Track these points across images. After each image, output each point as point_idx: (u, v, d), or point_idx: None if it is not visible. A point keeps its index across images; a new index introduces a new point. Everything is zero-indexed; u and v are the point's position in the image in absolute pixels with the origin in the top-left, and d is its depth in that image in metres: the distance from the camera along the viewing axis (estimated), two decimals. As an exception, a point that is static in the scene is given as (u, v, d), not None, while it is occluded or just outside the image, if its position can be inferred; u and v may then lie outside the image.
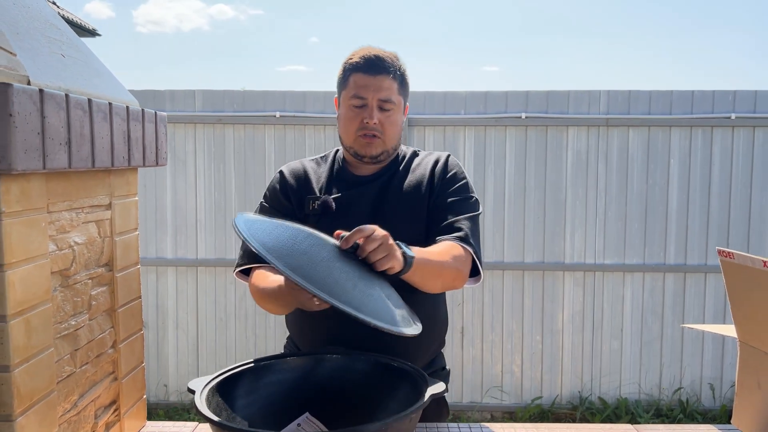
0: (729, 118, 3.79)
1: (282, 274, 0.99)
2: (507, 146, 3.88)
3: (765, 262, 1.13)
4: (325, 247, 1.12)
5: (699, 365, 3.94)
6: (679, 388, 3.92)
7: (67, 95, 0.97)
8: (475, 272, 1.39)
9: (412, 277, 1.19)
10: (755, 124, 3.79)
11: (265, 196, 1.49)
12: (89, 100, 1.04)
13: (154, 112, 1.33)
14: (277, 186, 1.48)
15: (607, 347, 3.94)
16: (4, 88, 0.82)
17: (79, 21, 9.50)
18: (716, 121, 3.80)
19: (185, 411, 3.93)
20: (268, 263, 1.18)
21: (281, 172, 1.50)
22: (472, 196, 1.45)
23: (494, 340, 3.95)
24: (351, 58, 1.40)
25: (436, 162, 1.47)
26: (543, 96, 3.85)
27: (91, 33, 10.17)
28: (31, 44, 1.04)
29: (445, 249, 1.30)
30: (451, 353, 3.92)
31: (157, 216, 3.99)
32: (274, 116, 3.91)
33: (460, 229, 1.37)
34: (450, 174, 1.45)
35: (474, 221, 1.41)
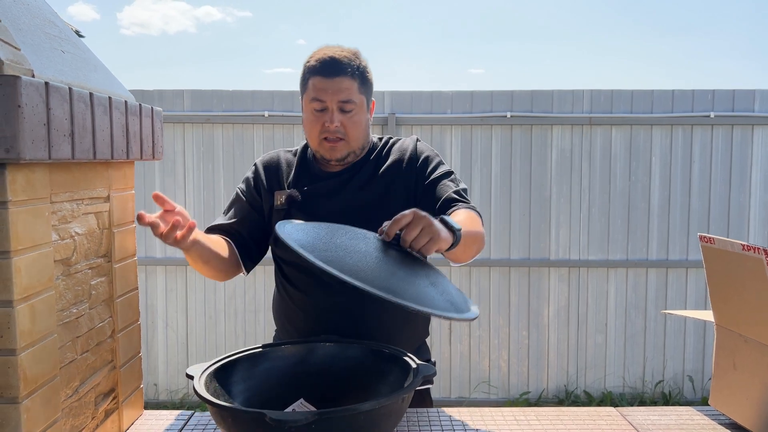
0: (708, 116, 3.89)
1: (316, 267, 0.97)
2: (493, 145, 3.94)
3: (744, 246, 1.19)
4: (366, 241, 1.11)
5: (681, 358, 4.03)
6: (661, 381, 4.01)
7: (70, 88, 1.00)
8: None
9: (456, 250, 1.17)
10: (733, 122, 3.89)
11: (240, 187, 1.53)
12: (90, 94, 1.07)
13: (150, 107, 1.36)
14: (251, 181, 1.51)
15: (592, 341, 4.02)
16: (12, 80, 0.85)
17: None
18: (696, 120, 3.89)
19: (175, 410, 3.94)
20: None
21: (255, 166, 1.53)
22: (451, 171, 1.46)
23: (481, 336, 4.01)
24: (309, 61, 1.40)
25: (404, 149, 1.47)
26: (528, 95, 3.92)
27: (74, 34, 10.14)
28: (33, 40, 1.07)
29: (467, 215, 1.30)
30: (439, 349, 3.97)
31: (146, 215, 4.00)
32: (263, 116, 3.94)
33: (462, 198, 1.37)
34: (423, 158, 1.45)
35: (465, 192, 1.42)
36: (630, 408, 1.45)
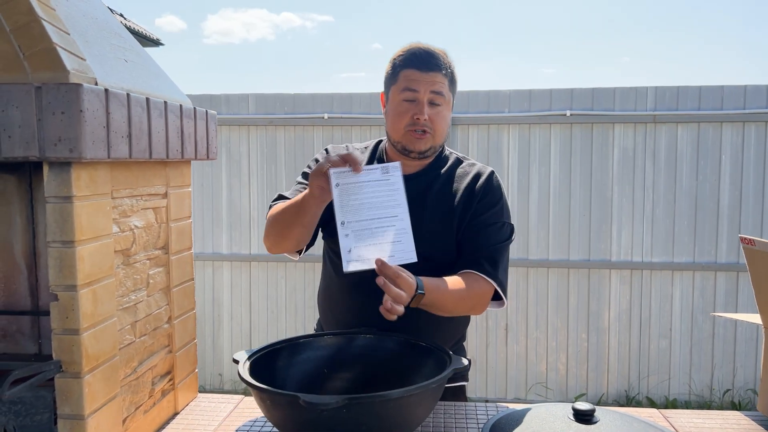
0: (785, 112, 3.69)
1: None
2: (552, 144, 3.89)
3: (783, 248, 1.16)
4: None
5: (753, 366, 3.83)
6: (729, 390, 3.83)
7: (128, 94, 1.10)
8: (498, 296, 1.41)
9: (423, 306, 1.28)
10: (813, 118, 3.67)
11: (309, 167, 1.55)
12: (147, 99, 1.17)
13: (205, 110, 1.46)
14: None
15: (655, 346, 3.89)
16: (75, 87, 0.95)
17: (144, 32, 9.99)
18: (771, 116, 3.70)
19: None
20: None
21: (327, 151, 1.56)
22: (505, 222, 1.44)
23: (539, 338, 3.96)
24: (401, 54, 1.41)
25: (477, 178, 1.46)
26: (588, 93, 3.84)
27: (155, 43, 10.68)
28: (99, 51, 1.19)
29: (466, 282, 1.34)
30: (495, 350, 3.96)
31: (213, 213, 4.20)
32: (322, 117, 4.06)
33: (486, 261, 1.38)
34: (489, 196, 1.44)
35: (502, 250, 1.41)
36: (673, 410, 1.43)
